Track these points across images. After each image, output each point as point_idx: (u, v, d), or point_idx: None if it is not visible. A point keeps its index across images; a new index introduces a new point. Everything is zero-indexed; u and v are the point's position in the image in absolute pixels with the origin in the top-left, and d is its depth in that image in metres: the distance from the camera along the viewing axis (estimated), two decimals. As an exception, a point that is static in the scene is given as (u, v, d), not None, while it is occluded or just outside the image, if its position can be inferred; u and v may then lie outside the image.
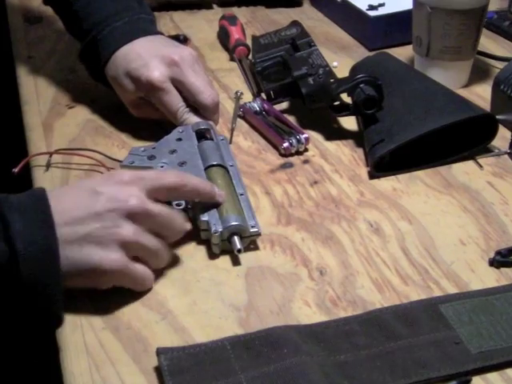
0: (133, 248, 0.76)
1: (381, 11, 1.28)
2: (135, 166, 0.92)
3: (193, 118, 1.00)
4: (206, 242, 0.84)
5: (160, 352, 0.69)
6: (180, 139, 0.96)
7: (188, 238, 0.85)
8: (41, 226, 0.73)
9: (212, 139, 0.96)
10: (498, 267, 0.81)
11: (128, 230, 0.76)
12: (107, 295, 0.78)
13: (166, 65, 0.99)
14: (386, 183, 0.95)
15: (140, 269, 0.78)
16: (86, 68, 1.10)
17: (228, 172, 0.91)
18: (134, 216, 0.76)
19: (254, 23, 1.38)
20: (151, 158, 0.93)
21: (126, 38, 1.02)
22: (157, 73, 0.98)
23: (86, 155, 0.98)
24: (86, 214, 0.75)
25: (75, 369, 0.70)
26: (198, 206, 0.85)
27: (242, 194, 0.88)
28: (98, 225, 0.75)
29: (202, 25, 1.38)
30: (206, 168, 0.91)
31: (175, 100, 1.00)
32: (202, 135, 0.97)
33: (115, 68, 1.02)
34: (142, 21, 1.06)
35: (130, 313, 0.76)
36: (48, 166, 0.98)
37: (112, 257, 0.75)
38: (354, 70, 1.12)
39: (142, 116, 1.05)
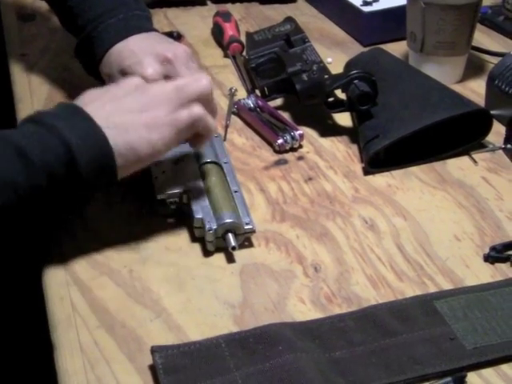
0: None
1: (375, 7, 1.28)
2: None
3: None
4: (201, 240, 0.84)
5: (155, 350, 0.69)
6: None
7: (182, 235, 0.85)
8: (83, 120, 0.78)
9: None
10: (492, 263, 0.81)
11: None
12: (102, 294, 0.78)
13: (159, 62, 0.98)
14: (381, 179, 0.95)
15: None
16: (81, 63, 1.09)
17: (222, 169, 0.91)
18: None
19: (248, 19, 1.38)
20: None
21: (121, 35, 1.02)
22: (150, 70, 0.98)
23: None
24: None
25: (70, 367, 0.70)
26: (192, 202, 0.85)
27: (236, 191, 0.88)
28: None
29: (196, 21, 1.37)
30: (201, 165, 0.91)
31: None
32: None
33: (109, 65, 1.01)
34: (136, 17, 1.05)
35: (125, 311, 0.76)
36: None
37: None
38: (349, 65, 1.11)
39: None
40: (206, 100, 0.86)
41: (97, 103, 0.82)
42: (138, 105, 0.82)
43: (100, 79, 1.05)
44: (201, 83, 0.86)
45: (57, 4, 1.12)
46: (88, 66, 1.07)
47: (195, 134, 0.85)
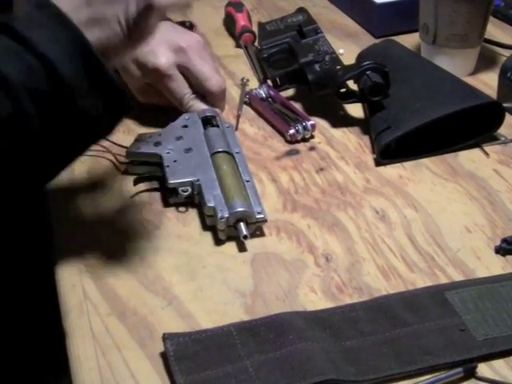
0: None
1: (387, -2, 1.27)
2: (141, 153, 0.93)
3: (199, 105, 1.00)
4: (212, 228, 0.84)
5: (166, 338, 0.69)
6: (186, 126, 0.96)
7: (194, 224, 0.86)
8: (60, 27, 0.69)
9: (218, 126, 0.96)
10: (503, 255, 0.81)
11: None
12: (113, 281, 0.78)
13: (172, 51, 0.99)
14: (392, 170, 0.95)
15: None
16: None
17: (234, 159, 0.91)
18: None
19: (259, 10, 1.38)
20: (157, 144, 0.93)
21: None
22: (163, 59, 0.98)
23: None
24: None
25: (82, 354, 0.71)
26: (203, 191, 0.85)
27: (248, 181, 0.88)
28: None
29: (208, 11, 1.37)
30: (212, 154, 0.91)
31: (181, 87, 1.00)
32: (207, 122, 0.97)
33: None
34: None
35: (136, 299, 0.76)
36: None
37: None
38: (361, 57, 1.11)
39: (148, 102, 1.05)
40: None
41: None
42: None
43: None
44: None
45: None
46: None
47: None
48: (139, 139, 0.95)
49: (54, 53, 0.68)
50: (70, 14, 0.70)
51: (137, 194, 0.91)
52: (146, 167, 0.93)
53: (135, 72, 1.00)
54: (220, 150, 0.91)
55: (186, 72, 0.99)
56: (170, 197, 0.88)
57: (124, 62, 1.01)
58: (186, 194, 0.86)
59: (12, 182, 0.72)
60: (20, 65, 0.68)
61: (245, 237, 0.81)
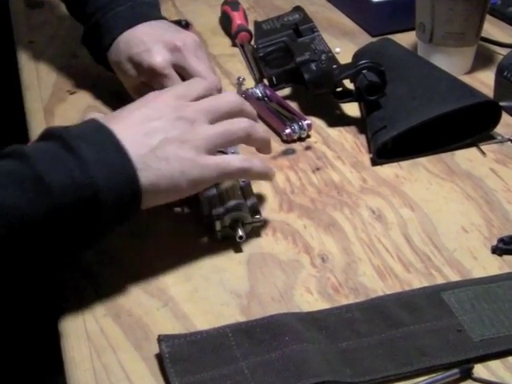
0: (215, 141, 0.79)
1: (384, -3, 1.27)
2: None
3: None
4: (208, 229, 0.84)
5: (161, 339, 0.69)
6: None
7: (190, 224, 0.85)
8: (112, 150, 0.73)
9: None
10: (500, 255, 0.81)
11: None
12: (108, 282, 0.78)
13: (168, 50, 0.98)
14: (389, 170, 0.95)
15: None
16: (88, 51, 1.09)
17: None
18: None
19: (256, 8, 1.37)
20: None
21: (129, 22, 1.02)
22: (159, 58, 0.98)
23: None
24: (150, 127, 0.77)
25: (76, 355, 0.70)
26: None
27: (243, 181, 0.88)
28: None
29: (204, 10, 1.37)
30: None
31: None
32: None
33: (117, 53, 1.01)
34: (145, 5, 1.05)
35: (131, 300, 0.76)
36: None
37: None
38: (357, 56, 1.11)
39: None
40: (239, 113, 0.84)
41: (132, 131, 0.76)
42: (177, 132, 0.78)
43: (108, 67, 1.05)
44: (229, 99, 0.84)
45: None
46: (96, 53, 1.07)
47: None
48: None
49: (105, 184, 0.71)
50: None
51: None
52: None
53: (130, 71, 1.00)
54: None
55: (181, 71, 0.99)
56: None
57: (119, 59, 1.01)
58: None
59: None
60: (64, 175, 0.70)
61: (240, 237, 0.81)
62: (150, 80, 1.00)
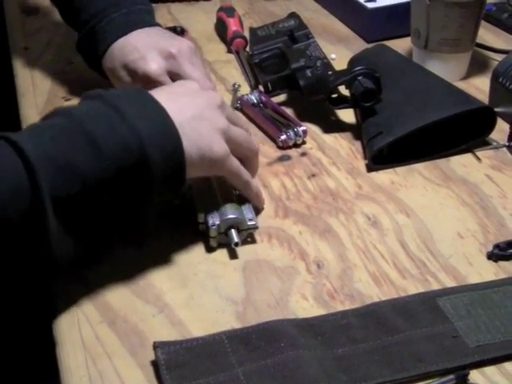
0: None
1: (379, 3, 1.27)
2: None
3: None
4: (204, 235, 0.84)
5: (157, 346, 0.69)
6: None
7: (185, 230, 0.85)
8: (154, 109, 0.76)
9: None
10: (496, 261, 0.81)
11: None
12: (104, 289, 0.77)
13: (163, 57, 0.98)
14: (384, 176, 0.95)
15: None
16: (83, 58, 1.09)
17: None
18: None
19: (251, 15, 1.38)
20: None
21: (124, 29, 1.02)
22: (154, 66, 0.98)
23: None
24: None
25: (72, 362, 0.70)
26: (195, 198, 0.85)
27: (239, 187, 0.88)
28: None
29: (200, 16, 1.37)
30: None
31: None
32: None
33: (112, 60, 1.01)
34: (140, 12, 1.05)
35: (127, 306, 0.76)
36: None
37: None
38: (352, 62, 1.11)
39: None
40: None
41: (167, 96, 0.80)
42: (208, 113, 0.82)
43: (102, 74, 1.05)
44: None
45: None
46: (90, 60, 1.07)
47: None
48: None
49: (149, 136, 0.74)
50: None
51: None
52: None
53: (125, 78, 1.00)
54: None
55: (176, 78, 0.99)
56: (160, 203, 0.88)
57: (113, 66, 1.01)
58: (177, 201, 0.86)
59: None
60: (114, 136, 0.73)
61: (236, 244, 0.81)
62: (144, 87, 1.00)
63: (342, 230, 0.86)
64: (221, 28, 1.29)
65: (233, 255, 0.82)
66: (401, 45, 1.21)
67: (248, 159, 0.87)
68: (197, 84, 0.86)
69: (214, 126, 0.81)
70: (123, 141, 0.72)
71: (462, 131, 0.98)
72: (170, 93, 0.82)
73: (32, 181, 0.68)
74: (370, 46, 1.19)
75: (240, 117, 0.89)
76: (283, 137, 1.00)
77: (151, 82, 0.98)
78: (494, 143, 1.00)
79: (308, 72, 1.05)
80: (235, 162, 0.83)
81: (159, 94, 0.78)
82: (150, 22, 1.05)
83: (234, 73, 1.18)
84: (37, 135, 0.72)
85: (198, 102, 0.82)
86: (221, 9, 1.31)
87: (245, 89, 1.11)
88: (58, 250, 0.72)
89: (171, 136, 0.76)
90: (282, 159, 0.98)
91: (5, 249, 0.70)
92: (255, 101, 1.08)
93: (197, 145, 0.78)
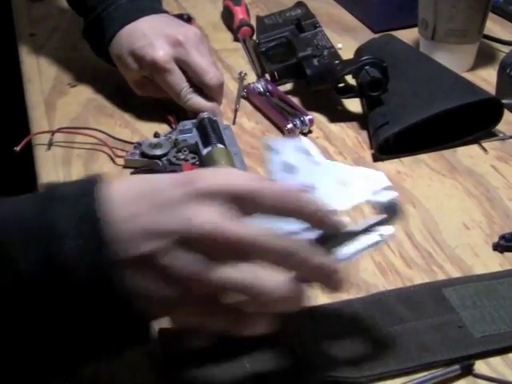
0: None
1: (386, -7, 1.27)
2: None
3: (196, 99, 0.99)
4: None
5: (162, 332, 0.68)
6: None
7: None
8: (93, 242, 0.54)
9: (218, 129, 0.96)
10: (501, 252, 0.81)
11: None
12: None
13: (170, 44, 0.98)
14: (390, 166, 0.95)
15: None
16: (89, 45, 1.09)
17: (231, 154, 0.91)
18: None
19: (258, 3, 1.37)
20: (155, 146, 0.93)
21: (131, 16, 1.01)
22: (161, 53, 0.97)
23: (89, 134, 0.98)
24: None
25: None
26: None
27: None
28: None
29: (206, 5, 1.37)
30: (211, 146, 0.91)
31: (179, 80, 0.99)
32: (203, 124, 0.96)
33: (119, 47, 1.01)
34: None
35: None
36: (50, 144, 0.98)
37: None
38: (359, 51, 1.11)
39: (145, 95, 1.04)
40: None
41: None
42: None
43: (109, 61, 1.05)
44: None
45: None
46: (97, 47, 1.07)
47: None
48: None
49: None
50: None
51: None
52: (144, 160, 0.92)
53: (132, 65, 1.00)
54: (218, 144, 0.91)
55: (183, 65, 0.99)
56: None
57: (120, 53, 1.01)
58: None
59: None
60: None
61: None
62: (151, 74, 1.00)
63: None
64: (227, 16, 1.29)
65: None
66: (408, 35, 1.21)
67: None
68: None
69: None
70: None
71: (468, 122, 0.97)
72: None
73: None
74: (377, 36, 1.19)
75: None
76: (289, 125, 1.00)
77: (158, 69, 0.98)
78: (501, 134, 1.00)
79: (315, 61, 1.04)
80: None
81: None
82: (158, 9, 1.05)
83: (240, 61, 1.18)
84: None
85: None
86: (227, -3, 1.30)
87: (251, 77, 1.11)
88: None
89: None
90: (288, 148, 0.98)
91: None
92: (262, 89, 1.08)
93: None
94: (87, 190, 0.56)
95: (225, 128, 0.97)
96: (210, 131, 0.93)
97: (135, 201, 0.56)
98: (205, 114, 0.97)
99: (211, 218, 0.55)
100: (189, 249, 0.55)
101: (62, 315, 0.54)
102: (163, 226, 0.55)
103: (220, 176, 0.58)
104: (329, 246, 0.61)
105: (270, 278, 0.56)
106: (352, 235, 0.63)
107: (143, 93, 1.04)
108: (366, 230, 0.64)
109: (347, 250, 0.63)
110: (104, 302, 0.54)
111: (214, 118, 0.97)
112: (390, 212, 0.64)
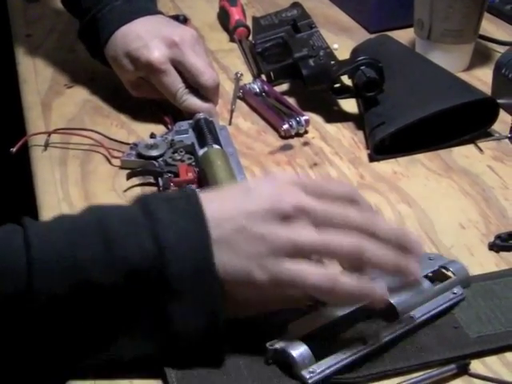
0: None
1: (382, -7, 1.27)
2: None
3: (192, 100, 0.99)
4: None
5: None
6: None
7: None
8: (191, 217, 0.64)
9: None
10: (497, 251, 0.81)
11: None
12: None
13: (166, 46, 0.98)
14: (386, 166, 0.95)
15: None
16: (85, 46, 1.09)
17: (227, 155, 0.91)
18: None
19: (254, 4, 1.37)
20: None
21: (126, 17, 1.01)
22: (157, 54, 0.97)
23: (85, 135, 0.98)
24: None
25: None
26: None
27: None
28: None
29: (202, 5, 1.37)
30: (207, 146, 0.91)
31: (175, 81, 0.99)
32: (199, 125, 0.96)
33: (114, 48, 1.01)
34: (142, 0, 1.05)
35: None
36: (46, 145, 0.98)
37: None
38: (355, 52, 1.11)
39: (141, 96, 1.04)
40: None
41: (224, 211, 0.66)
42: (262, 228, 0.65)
43: (104, 62, 1.05)
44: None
45: None
46: (92, 48, 1.07)
47: None
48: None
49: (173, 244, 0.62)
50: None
51: (130, 188, 0.90)
52: (140, 161, 0.92)
53: (128, 66, 1.00)
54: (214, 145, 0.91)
55: (179, 66, 0.99)
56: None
57: (116, 55, 1.01)
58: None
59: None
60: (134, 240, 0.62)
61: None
62: (147, 75, 1.00)
63: (344, 219, 0.86)
64: (223, 17, 1.29)
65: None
66: (404, 35, 1.21)
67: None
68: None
69: (265, 246, 0.64)
70: (141, 246, 0.62)
71: (464, 122, 0.98)
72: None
73: (29, 277, 0.60)
74: (373, 36, 1.19)
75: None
76: (285, 126, 1.00)
77: (154, 70, 0.98)
78: (497, 134, 1.00)
79: (311, 61, 1.04)
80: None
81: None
82: (153, 10, 1.05)
83: (236, 62, 1.18)
84: (52, 230, 0.64)
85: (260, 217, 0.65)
86: (224, -2, 1.30)
87: (247, 78, 1.11)
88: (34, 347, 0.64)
89: (200, 253, 0.63)
90: (284, 148, 0.98)
91: None
92: (258, 90, 1.08)
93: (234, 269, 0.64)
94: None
95: (221, 129, 0.97)
96: (206, 132, 0.93)
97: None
98: (201, 115, 0.97)
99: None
100: None
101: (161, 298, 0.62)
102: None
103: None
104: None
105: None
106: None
107: (139, 94, 1.04)
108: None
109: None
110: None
111: (210, 119, 0.97)
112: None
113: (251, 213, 0.64)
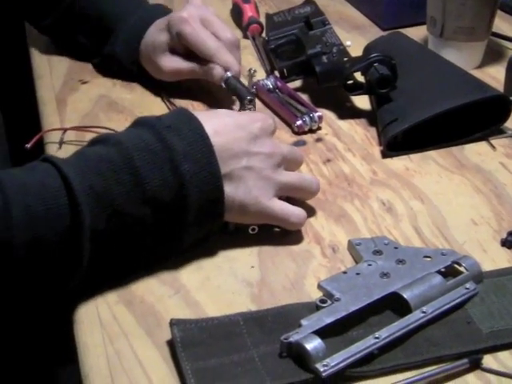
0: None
1: (395, -9, 1.27)
2: None
3: (225, 52, 1.03)
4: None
5: (173, 323, 0.69)
6: None
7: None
8: (202, 149, 0.76)
9: None
10: (509, 247, 0.81)
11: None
12: (120, 269, 0.78)
13: (193, 7, 1.05)
14: (399, 162, 0.95)
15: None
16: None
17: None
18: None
19: (267, 1, 1.38)
20: None
21: (141, 31, 1.08)
22: (185, 13, 1.03)
23: (100, 132, 0.98)
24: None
25: (89, 341, 0.71)
26: None
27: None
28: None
29: (215, 2, 1.37)
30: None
31: (207, 36, 1.03)
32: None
33: (146, 54, 1.07)
34: (150, 9, 1.09)
35: (144, 287, 0.77)
36: (61, 143, 0.98)
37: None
38: (368, 49, 1.11)
39: (170, 70, 1.05)
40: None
41: (217, 128, 0.79)
42: (262, 165, 0.81)
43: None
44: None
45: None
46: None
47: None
48: None
49: (190, 173, 0.75)
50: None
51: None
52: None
53: (163, 36, 1.05)
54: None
55: (205, 24, 1.04)
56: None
57: (150, 57, 1.05)
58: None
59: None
60: (159, 178, 0.74)
61: (253, 229, 0.82)
62: (180, 39, 1.03)
63: (357, 214, 0.86)
64: (236, 14, 1.29)
65: (249, 239, 0.82)
66: (416, 33, 1.22)
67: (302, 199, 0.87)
68: (247, 115, 0.86)
69: (264, 175, 0.80)
70: (166, 182, 0.74)
71: (476, 119, 0.98)
72: (221, 124, 0.80)
73: (73, 211, 0.70)
74: (386, 33, 1.19)
75: (296, 152, 0.86)
76: (299, 122, 1.00)
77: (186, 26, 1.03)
78: (509, 132, 1.00)
79: (324, 58, 1.05)
80: (280, 208, 0.82)
81: (209, 123, 0.78)
82: (165, 12, 1.08)
83: (249, 58, 1.19)
84: (84, 166, 0.72)
85: (249, 138, 0.81)
86: (237, -6, 1.31)
87: (260, 74, 1.11)
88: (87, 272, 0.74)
89: (213, 181, 0.76)
90: (297, 144, 0.99)
91: (40, 264, 0.71)
92: (271, 86, 1.08)
93: (240, 194, 0.79)
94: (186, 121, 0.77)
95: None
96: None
97: (227, 133, 0.79)
98: (228, 74, 1.01)
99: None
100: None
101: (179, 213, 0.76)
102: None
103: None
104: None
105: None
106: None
107: (169, 66, 1.06)
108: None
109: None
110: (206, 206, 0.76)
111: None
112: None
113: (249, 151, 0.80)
